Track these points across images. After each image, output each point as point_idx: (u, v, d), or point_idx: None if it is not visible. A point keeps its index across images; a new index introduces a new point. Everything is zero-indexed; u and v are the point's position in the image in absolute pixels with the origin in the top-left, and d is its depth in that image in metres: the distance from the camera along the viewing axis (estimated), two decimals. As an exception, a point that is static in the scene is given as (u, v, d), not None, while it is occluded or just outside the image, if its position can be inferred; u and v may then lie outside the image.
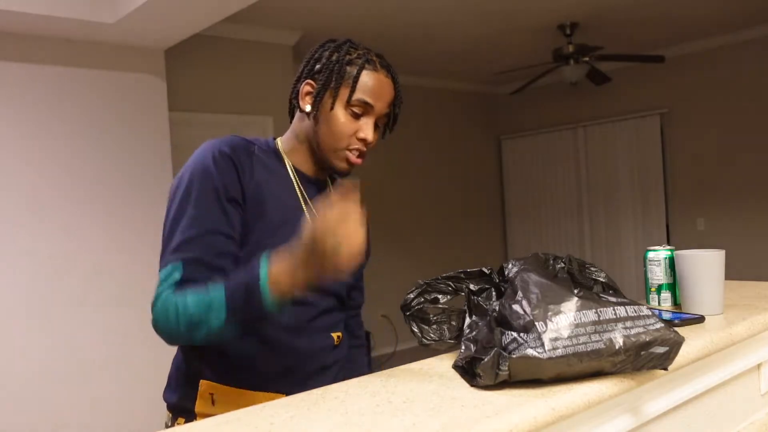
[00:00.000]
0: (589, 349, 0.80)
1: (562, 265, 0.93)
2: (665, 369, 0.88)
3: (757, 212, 5.55)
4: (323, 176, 1.28)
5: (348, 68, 1.18)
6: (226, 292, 1.00)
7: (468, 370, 0.85)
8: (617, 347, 0.81)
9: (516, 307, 0.85)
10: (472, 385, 0.83)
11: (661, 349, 0.84)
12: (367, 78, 1.18)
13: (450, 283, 1.01)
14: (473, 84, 6.99)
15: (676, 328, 1.10)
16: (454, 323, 0.99)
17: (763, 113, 5.48)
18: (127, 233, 3.55)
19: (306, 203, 1.22)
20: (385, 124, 1.26)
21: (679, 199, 6.04)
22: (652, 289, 1.33)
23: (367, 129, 1.19)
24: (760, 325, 1.17)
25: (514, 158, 7.27)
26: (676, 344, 0.85)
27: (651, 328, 0.84)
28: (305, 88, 1.24)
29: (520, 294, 0.86)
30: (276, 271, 0.97)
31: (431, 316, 1.00)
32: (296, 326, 1.17)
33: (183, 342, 1.08)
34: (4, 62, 3.21)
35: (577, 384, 0.82)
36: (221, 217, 1.10)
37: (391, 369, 0.95)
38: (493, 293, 0.94)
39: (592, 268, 0.94)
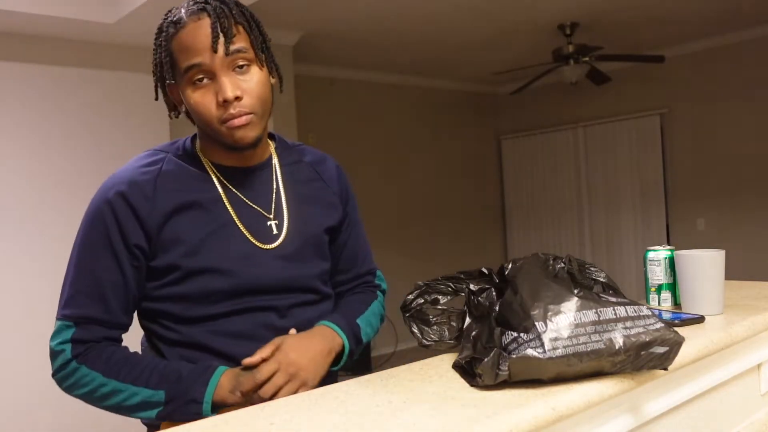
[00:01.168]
0: (589, 349, 0.80)
1: (562, 265, 0.93)
2: (665, 369, 0.88)
3: (757, 212, 5.55)
4: (248, 161, 1.13)
5: (165, 47, 1.05)
6: (167, 403, 0.99)
7: (468, 370, 0.85)
8: (617, 347, 0.81)
9: (516, 307, 0.85)
10: (472, 385, 0.83)
11: (661, 349, 0.84)
12: (179, 42, 1.02)
13: (450, 283, 1.00)
14: (473, 84, 6.99)
15: (676, 328, 1.11)
16: (454, 324, 0.99)
17: (763, 113, 5.48)
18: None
19: (232, 198, 1.10)
20: (254, 56, 1.06)
21: (679, 199, 6.04)
22: (652, 289, 1.33)
23: (219, 88, 1.01)
24: (760, 325, 1.17)
25: (514, 158, 7.27)
26: (676, 344, 0.85)
27: (651, 328, 0.84)
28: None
29: (519, 294, 0.86)
30: (218, 399, 0.99)
31: (431, 317, 1.00)
32: (251, 334, 1.09)
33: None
34: (4, 62, 3.21)
35: (577, 384, 0.82)
36: (115, 269, 1.04)
37: (391, 369, 0.95)
38: (493, 293, 0.94)
39: (592, 268, 0.94)
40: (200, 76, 1.02)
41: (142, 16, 3.11)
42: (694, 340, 1.02)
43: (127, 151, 3.57)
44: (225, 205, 1.09)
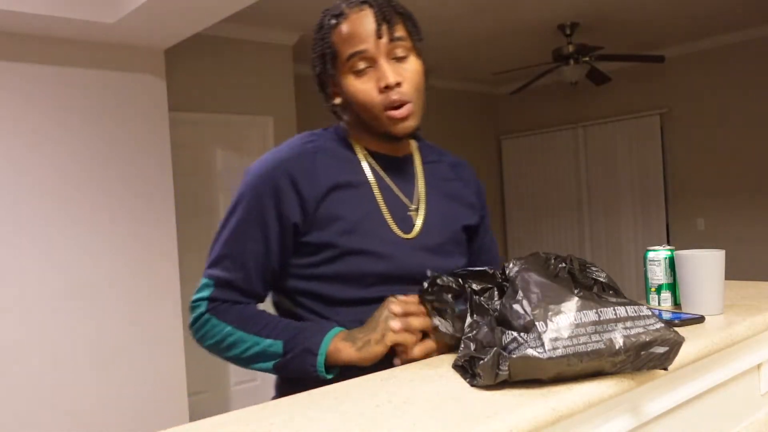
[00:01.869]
0: (589, 349, 0.80)
1: (563, 264, 0.93)
2: (665, 369, 0.88)
3: (757, 212, 5.55)
4: (396, 150, 1.16)
5: (326, 40, 1.09)
6: (284, 354, 1.02)
7: (468, 370, 0.85)
8: (617, 347, 0.81)
9: (516, 306, 0.85)
10: (472, 385, 0.83)
11: (661, 349, 0.84)
12: (341, 32, 1.06)
13: (452, 281, 1.01)
14: (473, 84, 6.99)
15: (676, 328, 1.10)
16: (457, 323, 0.99)
17: (763, 113, 5.48)
18: (127, 233, 3.54)
19: (381, 184, 1.12)
20: (411, 46, 1.09)
21: (679, 199, 6.04)
22: (652, 289, 1.33)
23: (381, 75, 1.05)
24: (760, 325, 1.17)
25: (514, 158, 7.27)
26: (676, 344, 0.85)
27: (651, 328, 0.84)
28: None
29: (520, 294, 0.86)
30: (334, 350, 1.00)
31: (434, 315, 1.01)
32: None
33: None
34: (4, 62, 3.21)
35: (577, 384, 0.82)
36: (262, 242, 1.07)
37: (391, 369, 0.95)
38: (496, 293, 0.94)
39: (593, 268, 0.94)
40: (361, 64, 1.05)
41: (142, 16, 3.11)
42: (694, 340, 1.02)
43: (127, 151, 3.57)
44: (375, 191, 1.11)
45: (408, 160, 1.18)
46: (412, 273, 1.09)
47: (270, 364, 1.04)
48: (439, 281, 1.02)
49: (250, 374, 4.50)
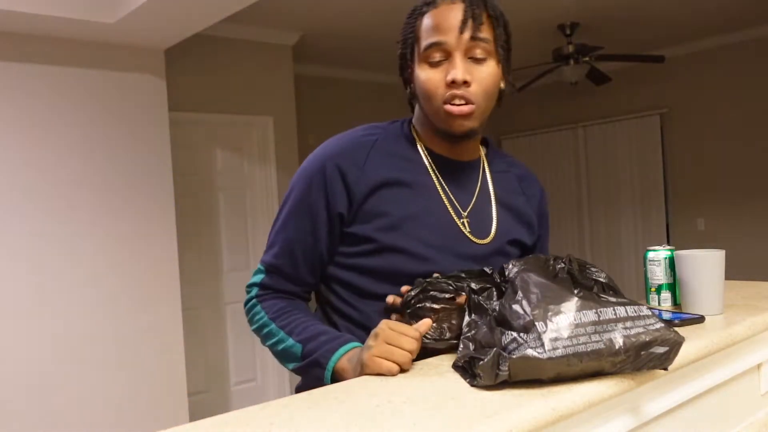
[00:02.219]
0: (589, 350, 0.80)
1: (563, 265, 0.93)
2: (665, 369, 0.88)
3: (757, 212, 5.55)
4: (460, 154, 1.14)
5: (412, 25, 1.10)
6: (301, 361, 1.04)
7: (467, 370, 0.85)
8: (617, 347, 0.81)
9: (516, 307, 0.85)
10: (472, 385, 0.83)
11: (661, 349, 0.84)
12: (427, 20, 1.06)
13: (450, 281, 1.00)
14: (473, 84, 6.98)
15: (676, 328, 1.11)
16: (454, 322, 0.99)
17: (763, 113, 5.48)
18: (127, 233, 3.54)
19: (437, 189, 1.11)
20: (493, 50, 1.06)
21: (679, 199, 6.04)
22: (652, 289, 1.33)
23: (452, 68, 1.03)
24: (760, 325, 1.17)
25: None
26: (676, 344, 0.85)
27: (651, 328, 0.84)
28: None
29: (520, 294, 0.86)
30: (341, 369, 0.99)
31: (431, 315, 1.00)
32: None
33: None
34: (4, 62, 3.21)
35: (577, 384, 0.82)
36: (309, 233, 1.09)
37: (391, 369, 0.95)
38: (494, 293, 0.94)
39: (593, 269, 0.94)
40: (437, 56, 1.04)
41: (142, 16, 3.11)
42: (694, 340, 1.02)
43: (127, 151, 3.57)
44: (431, 191, 1.10)
45: (473, 166, 1.16)
46: None
47: (291, 366, 1.07)
48: (426, 285, 1.01)
49: (250, 374, 4.50)
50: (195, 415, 3.92)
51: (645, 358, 0.83)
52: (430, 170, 1.11)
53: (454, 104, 1.03)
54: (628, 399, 0.91)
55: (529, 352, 0.79)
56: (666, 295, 1.31)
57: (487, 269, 1.00)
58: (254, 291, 1.15)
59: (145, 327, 3.57)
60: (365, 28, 4.65)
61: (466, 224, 1.12)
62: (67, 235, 3.36)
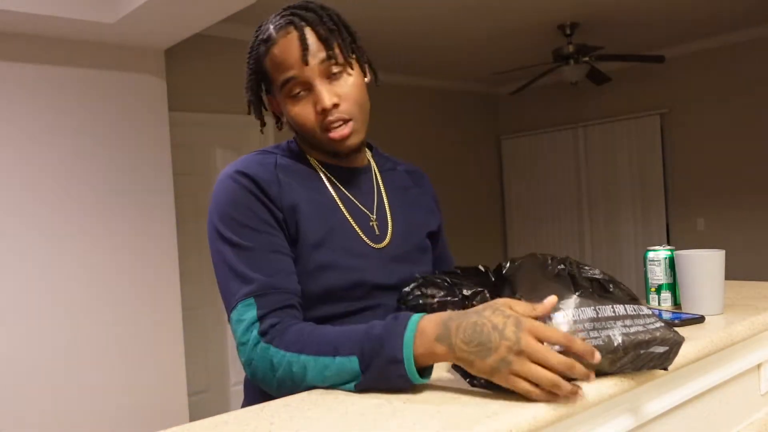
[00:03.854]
0: None
1: (562, 266, 0.93)
2: (665, 369, 0.88)
3: (757, 212, 5.55)
4: (352, 162, 1.13)
5: (260, 65, 1.06)
6: (363, 372, 0.83)
7: (466, 370, 0.85)
8: (615, 344, 0.81)
9: None
10: (471, 385, 0.83)
11: (660, 349, 0.84)
12: (270, 60, 1.04)
13: (446, 278, 1.00)
14: (473, 84, 6.99)
15: (676, 328, 1.10)
16: None
17: (763, 113, 5.48)
18: (127, 233, 3.54)
19: (341, 197, 1.10)
20: (345, 62, 1.05)
21: (679, 199, 6.04)
22: (652, 289, 1.33)
23: (317, 98, 1.02)
24: (760, 325, 1.17)
25: (514, 158, 7.27)
26: (675, 344, 0.85)
27: (651, 327, 0.84)
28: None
29: (518, 292, 0.86)
30: (420, 343, 0.80)
31: (427, 309, 1.00)
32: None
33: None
34: (4, 62, 3.21)
35: (576, 384, 0.81)
36: (268, 237, 0.99)
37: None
38: (487, 296, 0.93)
39: (586, 267, 0.94)
40: (297, 89, 1.03)
41: (142, 16, 3.11)
42: (694, 340, 1.02)
43: (127, 151, 3.57)
44: (338, 204, 1.09)
45: (365, 170, 1.16)
46: (383, 283, 1.08)
47: (351, 386, 0.85)
48: (422, 281, 1.01)
49: (250, 374, 4.50)
50: (195, 415, 3.92)
51: (645, 358, 0.83)
52: (330, 182, 1.10)
53: (333, 128, 1.03)
54: (628, 399, 0.91)
55: None
56: (666, 295, 1.31)
57: (481, 267, 0.99)
58: (254, 331, 0.93)
59: (145, 327, 3.57)
60: (365, 29, 4.65)
61: (376, 227, 1.11)
62: (67, 234, 3.36)
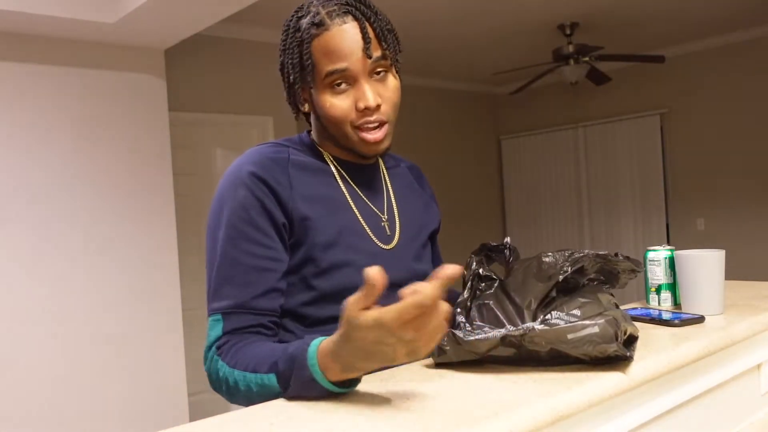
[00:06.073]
0: (500, 335, 0.88)
1: (566, 270, 1.00)
2: (626, 357, 0.86)
3: (757, 212, 5.55)
4: (368, 159, 1.11)
5: (305, 49, 1.01)
6: (280, 382, 0.84)
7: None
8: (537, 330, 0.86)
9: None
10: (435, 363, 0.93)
11: (585, 332, 0.85)
12: (321, 46, 0.99)
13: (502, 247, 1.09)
14: (473, 84, 6.99)
15: (675, 328, 1.11)
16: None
17: (763, 113, 5.48)
18: (127, 233, 3.54)
19: (353, 195, 1.09)
20: (391, 64, 1.04)
21: (679, 199, 6.04)
22: (652, 289, 1.33)
23: (361, 95, 1.00)
24: (760, 325, 1.17)
25: (514, 158, 7.27)
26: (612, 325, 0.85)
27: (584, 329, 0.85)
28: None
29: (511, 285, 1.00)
30: (323, 361, 0.79)
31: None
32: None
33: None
34: (4, 62, 3.21)
35: (577, 384, 0.82)
36: (260, 252, 0.97)
37: (390, 369, 0.95)
38: (489, 290, 1.01)
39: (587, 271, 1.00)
40: (340, 81, 1.00)
41: (142, 16, 3.11)
42: (694, 340, 1.02)
43: (127, 151, 3.57)
44: (349, 203, 1.07)
45: (375, 167, 1.16)
46: (394, 283, 1.02)
47: (273, 396, 0.87)
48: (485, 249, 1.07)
49: (250, 374, 4.50)
50: (195, 415, 3.92)
51: (577, 342, 0.84)
52: (343, 179, 1.09)
53: (368, 129, 1.02)
54: (628, 399, 0.91)
55: (458, 332, 0.90)
56: (666, 295, 1.31)
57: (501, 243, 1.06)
58: (214, 346, 0.95)
59: (146, 327, 3.57)
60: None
61: (387, 227, 1.11)
62: (67, 234, 3.36)
